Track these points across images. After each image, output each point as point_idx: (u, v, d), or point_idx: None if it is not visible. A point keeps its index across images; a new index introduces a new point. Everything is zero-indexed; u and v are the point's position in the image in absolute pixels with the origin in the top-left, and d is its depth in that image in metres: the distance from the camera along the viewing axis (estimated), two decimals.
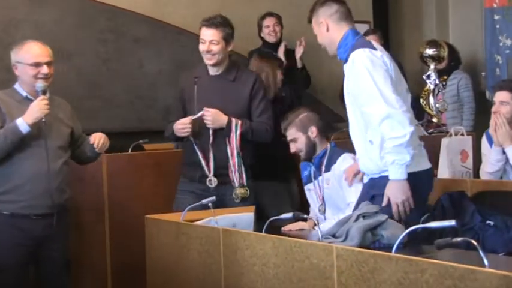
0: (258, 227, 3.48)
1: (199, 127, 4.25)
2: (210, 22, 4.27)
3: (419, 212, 3.45)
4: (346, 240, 2.90)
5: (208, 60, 4.30)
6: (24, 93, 3.87)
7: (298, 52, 5.97)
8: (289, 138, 4.19)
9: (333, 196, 4.07)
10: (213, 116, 4.21)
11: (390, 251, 2.55)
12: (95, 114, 4.77)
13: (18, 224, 3.77)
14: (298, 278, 2.84)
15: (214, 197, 3.73)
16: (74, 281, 4.28)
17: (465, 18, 7.61)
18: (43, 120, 3.71)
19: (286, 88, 5.26)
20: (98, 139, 3.92)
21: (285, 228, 3.93)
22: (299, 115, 4.20)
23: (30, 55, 3.84)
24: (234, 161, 4.29)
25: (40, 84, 3.78)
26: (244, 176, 4.29)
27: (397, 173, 3.29)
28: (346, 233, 2.92)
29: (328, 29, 3.57)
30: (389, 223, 2.91)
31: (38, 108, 3.70)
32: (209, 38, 4.24)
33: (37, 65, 3.81)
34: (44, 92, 3.77)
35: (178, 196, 4.40)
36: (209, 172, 4.27)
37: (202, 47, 4.28)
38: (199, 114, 4.19)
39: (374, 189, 3.49)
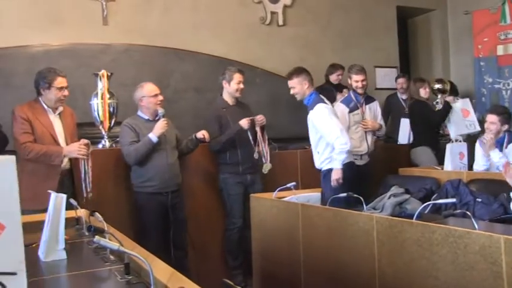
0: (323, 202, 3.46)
1: None
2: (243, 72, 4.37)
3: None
4: (382, 211, 2.89)
5: (239, 94, 4.32)
6: (146, 117, 3.97)
7: None
8: None
9: None
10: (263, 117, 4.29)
11: (411, 219, 2.52)
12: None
13: (155, 198, 3.87)
14: (350, 236, 2.84)
15: (294, 183, 3.67)
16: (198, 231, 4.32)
17: (461, 64, 7.39)
18: (164, 134, 3.85)
19: None
20: (206, 133, 4.06)
21: None
22: None
23: (149, 90, 3.96)
24: (266, 147, 4.30)
25: (161, 110, 3.89)
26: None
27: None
28: (382, 207, 2.91)
29: (307, 86, 4.03)
30: (411, 200, 2.88)
31: (162, 126, 3.82)
32: (242, 80, 4.31)
33: (156, 95, 3.95)
34: (163, 116, 3.88)
35: (231, 187, 4.26)
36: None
37: (241, 86, 4.30)
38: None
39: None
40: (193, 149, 4.14)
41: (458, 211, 2.54)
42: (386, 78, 6.92)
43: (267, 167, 4.28)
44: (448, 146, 4.58)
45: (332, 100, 4.91)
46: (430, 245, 2.31)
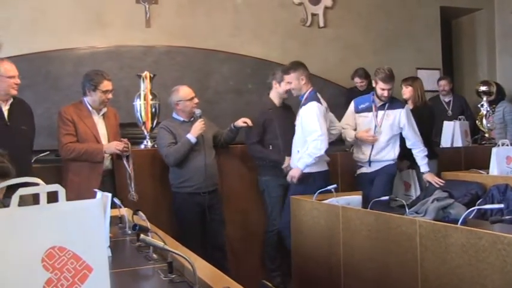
0: (365, 205, 3.40)
1: None
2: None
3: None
4: (425, 215, 2.84)
5: (287, 96, 4.28)
6: (182, 119, 4.01)
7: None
8: None
9: None
10: None
11: (456, 224, 2.47)
12: None
13: (193, 199, 3.91)
14: (392, 239, 2.80)
15: (335, 185, 3.65)
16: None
17: (508, 64, 7.19)
18: (202, 134, 3.90)
19: None
20: (247, 120, 4.13)
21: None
22: None
23: (185, 94, 3.99)
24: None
25: (198, 111, 3.95)
26: None
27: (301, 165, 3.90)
28: (425, 211, 2.86)
29: (305, 82, 3.98)
30: (455, 205, 2.82)
31: (200, 127, 3.88)
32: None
33: (192, 99, 3.99)
34: (200, 116, 3.93)
35: (273, 190, 4.23)
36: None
37: (287, 88, 4.20)
38: None
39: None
40: (235, 137, 4.24)
41: (507, 217, 2.46)
42: (429, 80, 6.77)
43: None
44: (494, 150, 4.44)
45: None
46: (476, 252, 2.25)
